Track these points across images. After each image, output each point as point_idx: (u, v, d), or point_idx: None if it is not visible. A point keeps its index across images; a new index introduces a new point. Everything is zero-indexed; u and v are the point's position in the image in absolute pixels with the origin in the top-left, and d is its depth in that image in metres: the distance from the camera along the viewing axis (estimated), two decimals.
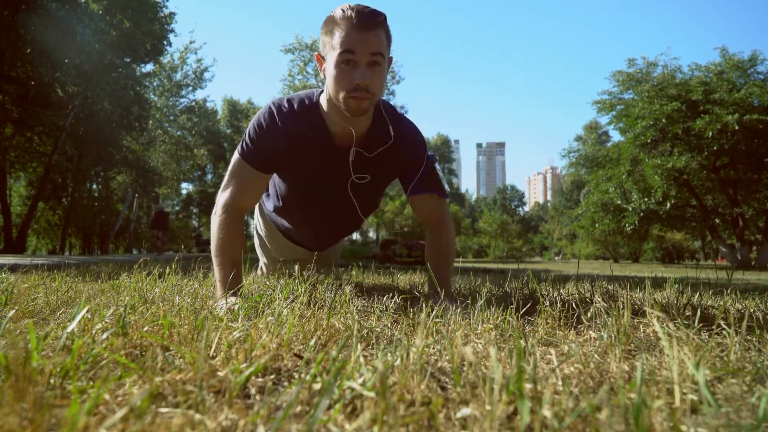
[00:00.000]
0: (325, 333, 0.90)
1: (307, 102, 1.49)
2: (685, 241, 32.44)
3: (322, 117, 1.48)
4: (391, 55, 1.39)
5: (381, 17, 1.30)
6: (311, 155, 1.52)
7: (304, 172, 1.57)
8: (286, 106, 1.48)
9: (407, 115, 1.64)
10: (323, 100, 1.47)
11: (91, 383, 0.59)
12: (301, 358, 0.74)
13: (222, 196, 1.53)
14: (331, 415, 0.50)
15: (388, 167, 1.60)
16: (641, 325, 1.04)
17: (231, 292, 1.34)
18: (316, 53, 1.41)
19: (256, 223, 2.21)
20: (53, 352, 0.69)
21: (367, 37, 1.27)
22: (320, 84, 25.38)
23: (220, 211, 1.50)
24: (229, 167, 1.55)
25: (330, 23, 1.31)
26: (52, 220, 22.87)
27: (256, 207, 2.11)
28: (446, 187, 1.66)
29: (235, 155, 1.53)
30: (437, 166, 1.64)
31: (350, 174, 1.56)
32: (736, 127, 13.07)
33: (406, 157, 1.58)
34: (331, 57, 1.30)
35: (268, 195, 1.89)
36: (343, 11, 1.28)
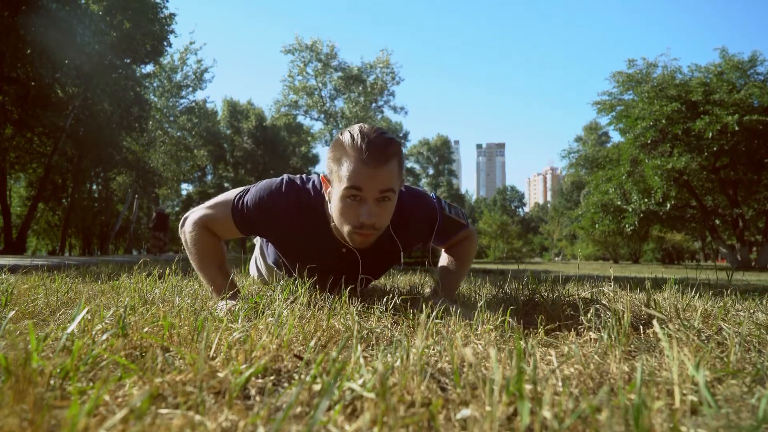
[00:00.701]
0: (325, 334, 0.90)
1: (312, 207, 1.39)
2: (685, 242, 32.44)
3: (327, 222, 1.38)
4: (402, 178, 1.30)
5: (393, 149, 1.20)
6: (311, 246, 1.43)
7: (303, 253, 1.47)
8: (295, 198, 1.38)
9: (418, 194, 1.52)
10: (329, 210, 1.35)
11: (91, 384, 0.59)
12: (301, 359, 0.74)
13: (196, 213, 1.43)
14: (331, 416, 0.50)
15: (400, 239, 1.48)
16: (641, 326, 1.04)
17: (230, 293, 1.34)
18: (322, 174, 1.32)
19: (257, 264, 2.06)
20: (53, 353, 0.69)
21: (376, 174, 1.16)
22: (322, 82, 25.41)
23: (190, 228, 1.41)
24: (217, 201, 1.45)
25: (338, 149, 1.20)
26: (52, 220, 22.88)
27: (257, 248, 1.98)
28: (463, 217, 1.57)
29: (228, 203, 1.41)
30: (445, 207, 1.55)
31: (357, 270, 1.49)
32: (736, 128, 13.07)
33: (414, 235, 1.51)
34: (337, 187, 1.21)
35: (269, 244, 1.76)
36: (353, 140, 1.17)
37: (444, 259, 1.63)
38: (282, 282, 1.42)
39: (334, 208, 1.25)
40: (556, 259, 49.80)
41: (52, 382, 0.58)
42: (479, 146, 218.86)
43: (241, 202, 1.39)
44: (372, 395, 0.51)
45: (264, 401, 0.57)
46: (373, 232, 1.24)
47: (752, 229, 17.65)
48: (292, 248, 1.48)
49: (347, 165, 1.17)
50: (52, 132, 14.00)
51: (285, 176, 1.43)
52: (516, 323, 0.97)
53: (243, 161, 34.53)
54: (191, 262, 1.45)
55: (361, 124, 1.23)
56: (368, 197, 1.19)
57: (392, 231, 1.41)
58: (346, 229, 1.25)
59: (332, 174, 1.23)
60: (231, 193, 1.44)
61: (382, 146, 1.17)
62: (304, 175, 1.46)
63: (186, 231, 1.43)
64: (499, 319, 1.01)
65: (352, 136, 1.18)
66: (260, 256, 1.98)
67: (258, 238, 1.94)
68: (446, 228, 1.53)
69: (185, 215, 1.49)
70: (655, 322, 0.72)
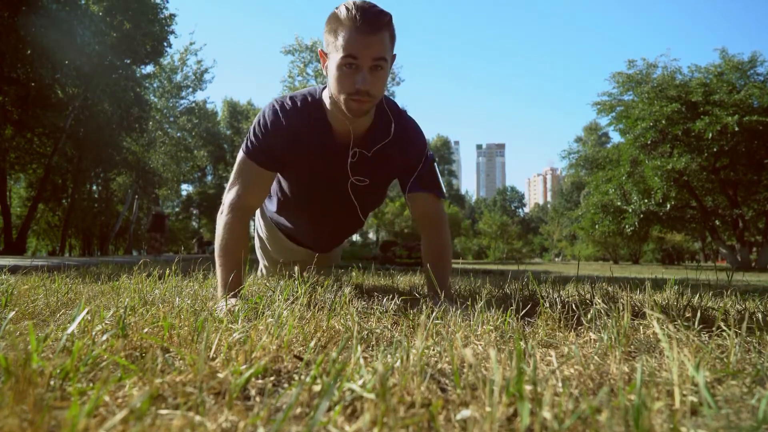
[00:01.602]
0: (325, 334, 0.90)
1: (309, 99, 1.50)
2: (685, 243, 32.46)
3: (324, 113, 1.49)
4: (394, 53, 1.38)
5: (385, 19, 1.28)
6: (313, 152, 1.52)
7: (306, 169, 1.57)
8: (289, 103, 1.49)
9: (414, 118, 1.64)
10: (326, 96, 1.48)
11: (91, 385, 0.59)
12: (301, 359, 0.74)
13: (228, 196, 1.52)
14: (331, 416, 0.50)
15: (389, 165, 1.59)
16: (641, 327, 1.04)
17: (231, 293, 1.34)
18: (319, 49, 1.40)
19: (257, 225, 2.21)
20: (53, 354, 0.69)
21: (370, 41, 1.25)
22: (322, 82, 25.44)
23: (226, 211, 1.49)
24: (235, 166, 1.55)
25: (334, 21, 1.29)
26: (52, 221, 22.88)
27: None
28: (443, 188, 1.66)
29: (240, 154, 1.53)
30: (436, 166, 1.64)
31: (349, 176, 1.56)
32: (736, 129, 13.08)
33: (407, 154, 1.58)
34: (334, 58, 1.29)
35: (270, 195, 1.88)
36: (348, 11, 1.25)
37: (428, 254, 1.64)
38: (281, 283, 1.43)
39: (331, 78, 1.33)
40: (556, 259, 49.80)
41: (52, 382, 0.58)
42: (479, 147, 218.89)
43: (249, 143, 1.50)
44: (372, 396, 0.51)
45: (264, 402, 0.57)
46: (368, 99, 1.31)
47: (752, 229, 17.66)
48: (301, 164, 1.55)
49: (343, 35, 1.26)
50: (52, 132, 14.01)
51: (272, 99, 1.54)
52: (516, 324, 0.97)
53: None
54: (215, 244, 1.51)
55: None
56: (363, 65, 1.27)
57: (385, 145, 1.51)
58: (342, 97, 1.32)
59: (329, 46, 1.31)
60: (240, 153, 1.54)
61: (374, 17, 1.26)
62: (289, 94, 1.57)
63: (221, 214, 1.51)
64: (499, 320, 1.01)
65: (347, 8, 1.26)
66: (260, 217, 2.11)
67: (257, 219, 2.10)
68: (429, 175, 1.61)
69: (223, 199, 1.56)
70: (655, 322, 0.72)
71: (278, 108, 1.48)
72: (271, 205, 1.89)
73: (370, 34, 1.25)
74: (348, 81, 1.29)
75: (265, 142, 1.48)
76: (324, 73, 1.38)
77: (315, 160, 1.54)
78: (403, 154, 1.58)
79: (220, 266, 1.44)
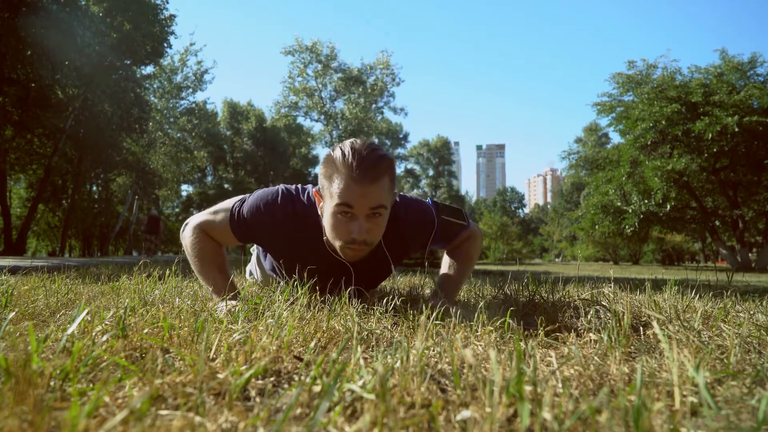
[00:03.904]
0: (325, 335, 0.90)
1: (308, 220, 1.40)
2: (685, 243, 32.46)
3: (321, 231, 1.39)
4: (395, 192, 1.32)
5: (383, 166, 1.20)
6: (305, 252, 1.44)
7: (297, 261, 1.46)
8: (290, 209, 1.39)
9: (414, 204, 1.50)
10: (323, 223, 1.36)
11: (91, 385, 0.59)
12: (301, 360, 0.74)
13: (195, 221, 1.46)
14: (331, 417, 0.50)
15: (395, 253, 1.48)
16: (641, 328, 1.04)
17: (230, 295, 1.34)
18: (314, 190, 1.34)
19: (253, 270, 2.07)
20: (53, 355, 0.69)
21: (367, 191, 1.17)
22: (321, 83, 25.39)
23: (189, 233, 1.44)
24: (215, 209, 1.47)
25: (329, 165, 1.21)
26: (52, 222, 22.88)
27: (254, 256, 2.00)
28: (464, 217, 1.56)
29: (226, 212, 1.43)
30: (443, 211, 1.53)
31: (349, 275, 1.47)
32: (736, 129, 13.09)
33: (411, 244, 1.50)
34: (329, 204, 1.23)
35: (266, 254, 1.75)
36: (344, 157, 1.18)
37: (445, 261, 1.61)
38: (281, 284, 1.42)
39: (326, 222, 1.27)
40: (556, 260, 49.81)
41: (52, 383, 0.58)
42: (479, 147, 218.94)
43: (238, 211, 1.41)
44: (372, 397, 0.51)
45: (264, 402, 0.57)
46: (365, 247, 1.25)
47: (752, 230, 17.67)
48: (287, 257, 1.48)
49: (338, 182, 1.18)
50: (52, 133, 14.00)
51: (281, 186, 1.45)
52: (516, 325, 0.97)
53: (243, 162, 34.56)
54: (192, 265, 1.46)
55: (353, 140, 1.24)
56: (359, 214, 1.20)
57: (384, 245, 1.41)
58: (338, 243, 1.26)
59: (324, 190, 1.25)
60: (228, 202, 1.47)
61: (372, 164, 1.17)
62: (299, 185, 1.47)
63: (186, 236, 1.46)
64: (499, 321, 1.01)
65: (343, 153, 1.19)
66: (257, 264, 1.99)
67: (255, 246, 1.96)
68: (446, 232, 1.52)
69: (186, 221, 1.51)
70: (655, 323, 0.72)
71: (279, 208, 1.39)
72: (267, 263, 1.77)
73: (367, 184, 1.17)
74: (343, 229, 1.23)
75: (252, 229, 1.41)
76: (320, 213, 1.32)
77: (307, 257, 1.44)
78: (406, 243, 1.49)
79: (205, 276, 1.41)
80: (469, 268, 1.60)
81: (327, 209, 1.24)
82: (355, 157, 1.17)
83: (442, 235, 1.51)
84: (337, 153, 1.20)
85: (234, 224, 1.41)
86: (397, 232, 1.43)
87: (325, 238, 1.37)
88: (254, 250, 1.99)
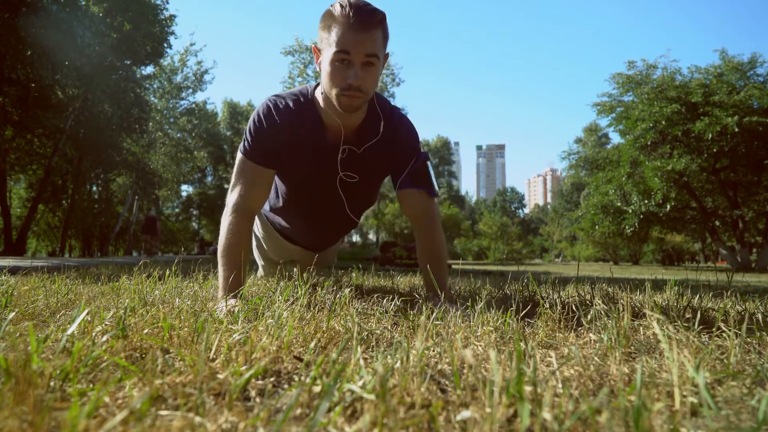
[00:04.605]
0: (325, 335, 0.90)
1: (302, 99, 1.52)
2: (685, 244, 32.47)
3: (316, 111, 1.51)
4: (387, 52, 1.41)
5: (378, 17, 1.30)
6: (305, 148, 1.54)
7: (298, 166, 1.59)
8: (282, 101, 1.51)
9: (407, 116, 1.66)
10: (318, 94, 1.50)
11: (91, 386, 0.59)
12: (301, 360, 0.74)
13: (231, 197, 1.53)
14: (331, 417, 0.50)
15: (378, 162, 1.61)
16: (641, 328, 1.04)
17: (231, 294, 1.34)
18: (313, 45, 1.43)
19: (255, 224, 2.22)
20: (53, 355, 0.69)
21: (363, 38, 1.28)
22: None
23: (229, 212, 1.51)
24: (235, 167, 1.57)
25: (328, 18, 1.31)
26: (52, 222, 22.87)
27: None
28: (436, 186, 1.66)
29: (239, 155, 1.55)
30: (429, 164, 1.64)
31: (338, 171, 1.58)
32: (736, 130, 13.10)
33: (398, 151, 1.59)
34: (327, 53, 1.32)
35: (271, 206, 1.90)
36: (342, 8, 1.28)
37: (424, 255, 1.64)
38: (281, 284, 1.43)
39: (323, 73, 1.36)
40: (556, 260, 49.81)
41: (52, 383, 0.58)
42: (479, 147, 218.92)
43: (246, 143, 1.52)
44: (372, 397, 0.51)
45: (264, 403, 0.57)
46: (360, 95, 1.34)
47: (752, 230, 17.67)
48: (294, 161, 1.57)
49: (336, 31, 1.29)
50: (52, 133, 14.00)
51: (264, 100, 1.56)
52: (516, 325, 0.97)
53: None
54: (218, 244, 1.51)
55: None
56: (355, 60, 1.30)
57: (377, 145, 1.54)
58: (334, 92, 1.35)
59: (322, 42, 1.34)
60: (238, 153, 1.57)
61: (367, 14, 1.29)
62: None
63: (225, 215, 1.53)
64: (499, 321, 1.01)
65: (341, 5, 1.29)
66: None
67: (256, 227, 2.10)
68: (421, 173, 1.61)
69: (226, 202, 1.58)
70: (655, 323, 0.72)
71: (272, 106, 1.51)
72: (266, 205, 1.91)
73: (362, 31, 1.28)
74: (340, 76, 1.32)
75: (260, 140, 1.50)
76: (317, 69, 1.41)
77: (307, 156, 1.56)
78: (393, 151, 1.59)
79: (223, 266, 1.45)
80: (446, 257, 1.68)
81: (325, 60, 1.34)
82: (352, 8, 1.28)
83: (419, 168, 1.60)
84: (335, 6, 1.30)
85: (248, 152, 1.52)
86: (389, 132, 1.55)
87: (324, 116, 1.49)
88: (253, 229, 2.06)
